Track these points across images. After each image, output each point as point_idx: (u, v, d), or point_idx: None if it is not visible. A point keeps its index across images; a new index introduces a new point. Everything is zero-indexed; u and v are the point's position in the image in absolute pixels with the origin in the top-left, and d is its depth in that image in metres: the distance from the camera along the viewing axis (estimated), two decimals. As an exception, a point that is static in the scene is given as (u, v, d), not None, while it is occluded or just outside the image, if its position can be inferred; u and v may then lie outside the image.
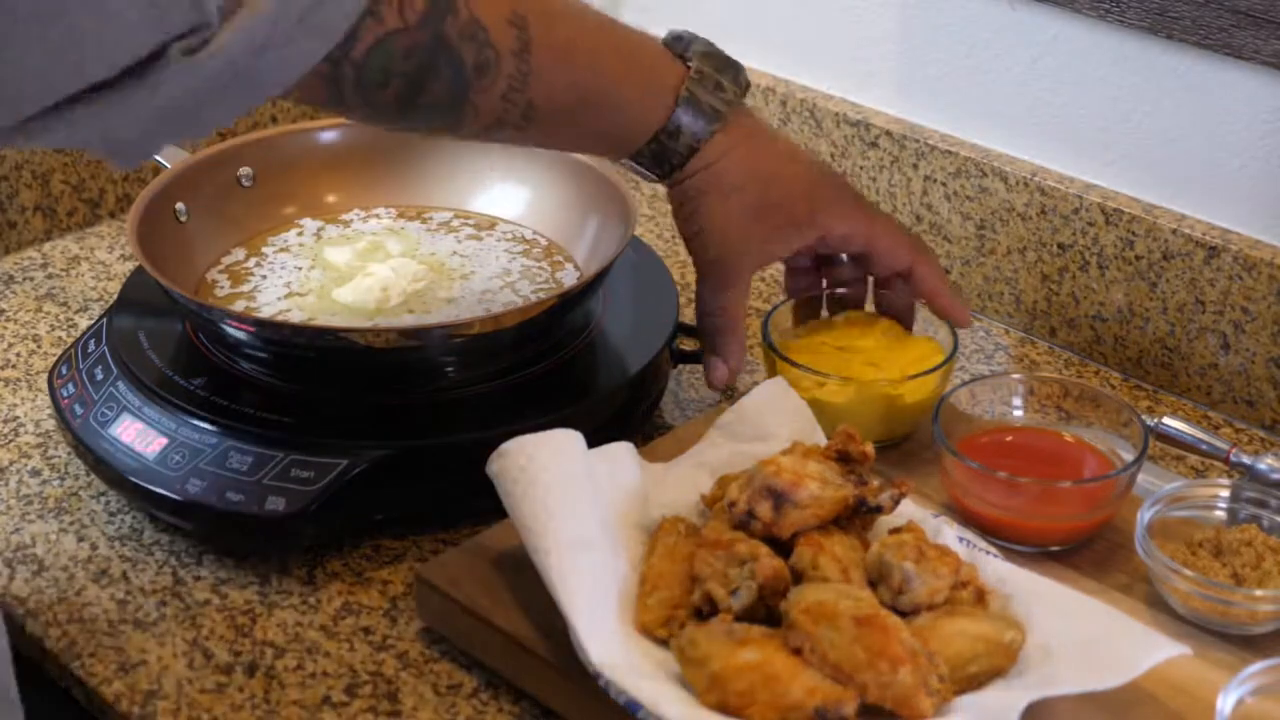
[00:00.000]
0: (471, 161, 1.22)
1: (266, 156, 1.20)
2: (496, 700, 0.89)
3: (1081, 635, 0.83)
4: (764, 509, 0.86)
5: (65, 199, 1.36)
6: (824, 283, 1.09)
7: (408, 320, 1.08)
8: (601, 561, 0.85)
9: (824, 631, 0.79)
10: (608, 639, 0.82)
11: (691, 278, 1.07)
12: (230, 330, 1.03)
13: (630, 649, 0.82)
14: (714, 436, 0.99)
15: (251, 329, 1.03)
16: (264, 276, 1.13)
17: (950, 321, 1.05)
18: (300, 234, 1.19)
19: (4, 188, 1.32)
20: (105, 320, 1.09)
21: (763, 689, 0.78)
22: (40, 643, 0.92)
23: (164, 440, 0.99)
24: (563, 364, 1.06)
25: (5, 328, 1.22)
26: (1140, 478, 0.96)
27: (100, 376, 1.04)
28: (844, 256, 1.08)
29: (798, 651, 0.80)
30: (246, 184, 1.19)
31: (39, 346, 1.20)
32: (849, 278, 1.09)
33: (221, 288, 1.12)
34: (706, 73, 0.99)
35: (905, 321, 1.07)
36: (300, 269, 1.14)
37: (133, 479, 0.98)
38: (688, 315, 1.11)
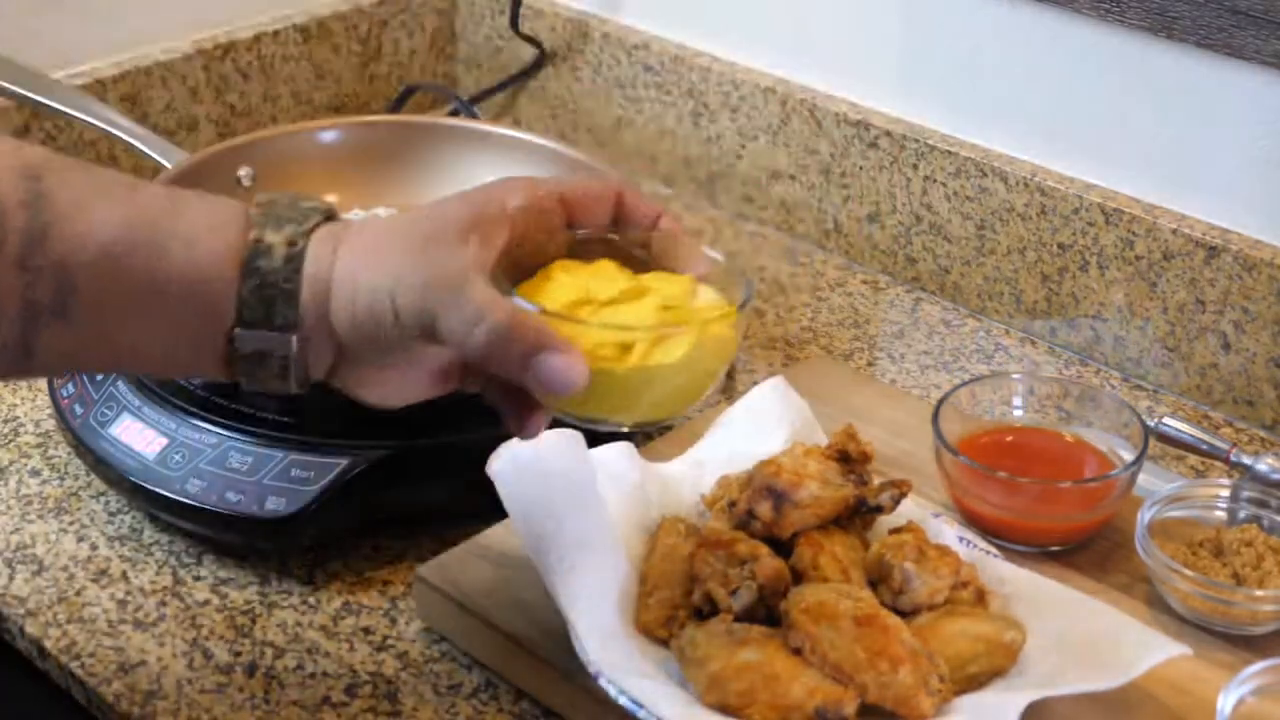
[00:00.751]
0: (471, 161, 1.21)
1: (266, 156, 1.19)
2: (496, 700, 0.89)
3: (1082, 635, 0.83)
4: (764, 509, 0.86)
5: (65, 199, 1.36)
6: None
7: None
8: (601, 561, 0.85)
9: (824, 631, 0.79)
10: (608, 639, 0.82)
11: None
12: (230, 330, 1.03)
13: (630, 649, 0.82)
14: (714, 436, 0.99)
15: (251, 329, 1.03)
16: (264, 276, 1.13)
17: (660, 231, 0.81)
18: (300, 234, 1.18)
19: (4, 188, 1.32)
20: (105, 320, 1.09)
21: (763, 689, 0.78)
22: (40, 643, 0.92)
23: (164, 440, 0.98)
24: (563, 364, 1.06)
25: (5, 328, 1.22)
26: (1140, 478, 0.96)
27: (100, 376, 1.04)
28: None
29: (798, 651, 0.80)
30: (246, 184, 1.18)
31: (39, 346, 1.20)
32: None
33: (221, 288, 1.12)
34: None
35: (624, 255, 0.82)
36: (300, 269, 1.14)
37: (133, 479, 0.98)
38: (687, 315, 1.10)
